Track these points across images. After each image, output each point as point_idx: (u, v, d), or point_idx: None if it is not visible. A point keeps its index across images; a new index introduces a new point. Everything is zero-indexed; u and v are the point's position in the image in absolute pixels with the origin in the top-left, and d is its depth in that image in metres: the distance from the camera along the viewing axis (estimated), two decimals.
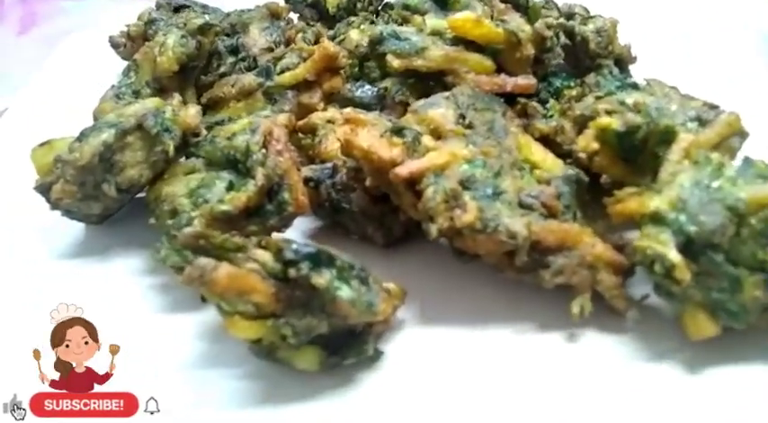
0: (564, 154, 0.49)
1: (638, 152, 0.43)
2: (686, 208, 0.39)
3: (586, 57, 0.57)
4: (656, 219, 0.39)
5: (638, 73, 0.56)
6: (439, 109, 0.46)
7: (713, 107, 0.50)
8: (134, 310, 0.45)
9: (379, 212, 0.47)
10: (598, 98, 0.52)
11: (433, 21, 0.51)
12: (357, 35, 0.59)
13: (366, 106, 0.53)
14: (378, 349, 0.42)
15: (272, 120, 0.48)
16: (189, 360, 0.42)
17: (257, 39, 0.63)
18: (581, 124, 0.50)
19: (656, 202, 0.40)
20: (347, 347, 0.40)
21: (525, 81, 0.50)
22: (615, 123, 0.43)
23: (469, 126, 0.46)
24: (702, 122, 0.48)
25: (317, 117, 0.53)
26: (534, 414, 0.39)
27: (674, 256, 0.38)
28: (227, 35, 0.63)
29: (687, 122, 0.48)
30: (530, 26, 0.52)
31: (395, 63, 0.50)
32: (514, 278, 0.43)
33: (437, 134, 0.45)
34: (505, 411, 0.39)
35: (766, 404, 0.38)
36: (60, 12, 0.93)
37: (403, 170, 0.41)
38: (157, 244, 0.42)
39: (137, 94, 0.56)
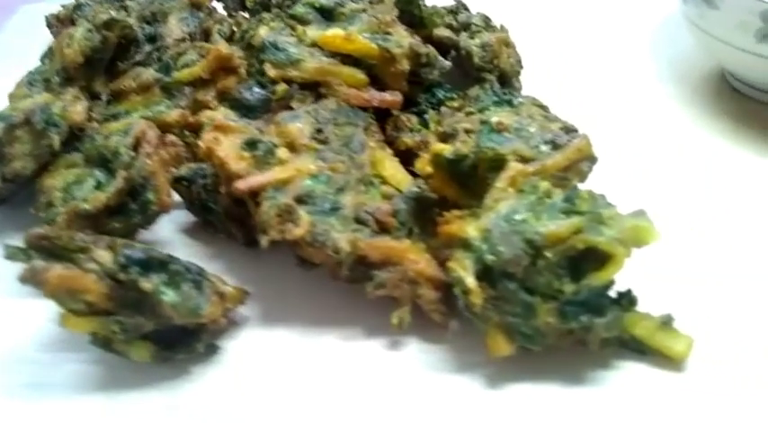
0: None
1: (469, 177, 0.46)
2: (489, 237, 0.42)
3: (472, 70, 0.59)
4: (465, 244, 0.43)
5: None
6: (297, 123, 0.49)
7: (570, 131, 0.52)
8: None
9: (239, 214, 0.51)
10: (469, 114, 0.55)
11: (313, 32, 0.54)
12: (265, 32, 0.61)
13: (252, 108, 0.56)
14: (214, 345, 0.46)
15: (148, 122, 0.51)
16: (40, 342, 0.46)
17: (173, 29, 0.66)
18: (443, 140, 0.53)
19: (469, 229, 0.43)
20: (179, 343, 0.44)
21: (391, 97, 0.52)
22: (447, 150, 0.46)
23: (324, 141, 0.49)
24: (556, 146, 0.51)
25: (204, 116, 0.56)
26: (337, 414, 0.43)
27: (470, 281, 0.41)
28: (148, 23, 0.66)
29: (541, 145, 0.51)
30: (408, 41, 0.54)
31: (271, 73, 0.52)
32: (347, 286, 0.47)
33: (292, 147, 0.48)
34: (318, 409, 0.43)
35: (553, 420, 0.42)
36: None
37: (242, 184, 0.45)
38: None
39: (47, 82, 0.59)
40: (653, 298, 0.45)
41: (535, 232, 0.41)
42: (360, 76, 0.53)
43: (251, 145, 0.47)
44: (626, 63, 0.70)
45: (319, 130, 0.49)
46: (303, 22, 0.55)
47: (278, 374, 0.45)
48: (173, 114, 0.57)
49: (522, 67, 0.64)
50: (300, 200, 0.45)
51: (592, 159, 0.51)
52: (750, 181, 0.57)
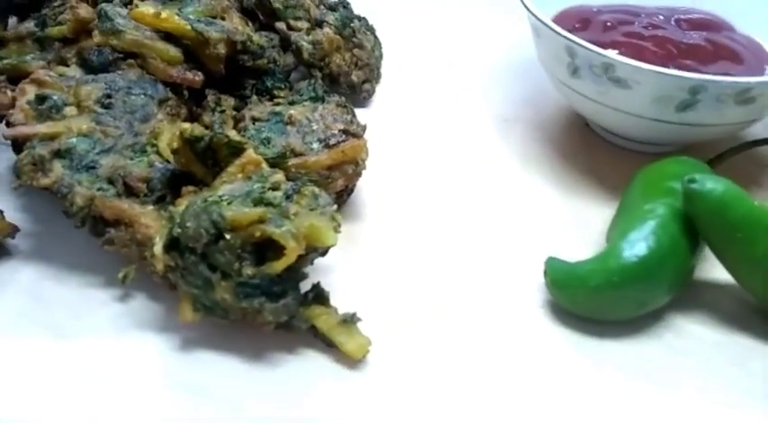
0: None
1: (209, 158, 0.50)
2: (185, 213, 0.46)
3: (304, 64, 0.63)
4: (169, 216, 0.47)
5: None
6: (89, 86, 0.54)
7: (349, 134, 0.55)
8: None
9: None
10: (277, 104, 0.59)
11: (142, 8, 0.58)
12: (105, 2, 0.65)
13: (94, 69, 0.62)
14: None
15: None
16: None
17: None
18: (236, 124, 0.57)
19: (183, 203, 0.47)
20: None
21: (191, 76, 0.57)
22: (188, 130, 0.50)
23: (108, 106, 0.54)
24: (327, 145, 0.54)
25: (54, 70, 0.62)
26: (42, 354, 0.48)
27: (156, 249, 0.46)
28: None
29: (314, 143, 0.55)
30: (227, 27, 0.58)
31: (96, 38, 0.58)
32: None
33: (79, 107, 0.54)
34: (33, 344, 0.49)
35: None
36: None
37: (8, 132, 0.51)
38: None
39: None
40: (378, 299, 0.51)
41: (220, 214, 0.45)
42: (173, 52, 0.57)
43: (41, 99, 0.53)
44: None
45: (108, 96, 0.54)
46: None
47: (11, 307, 0.51)
48: (33, 64, 0.63)
49: (375, 76, 0.68)
50: (60, 154, 0.51)
51: (356, 164, 0.54)
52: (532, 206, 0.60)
